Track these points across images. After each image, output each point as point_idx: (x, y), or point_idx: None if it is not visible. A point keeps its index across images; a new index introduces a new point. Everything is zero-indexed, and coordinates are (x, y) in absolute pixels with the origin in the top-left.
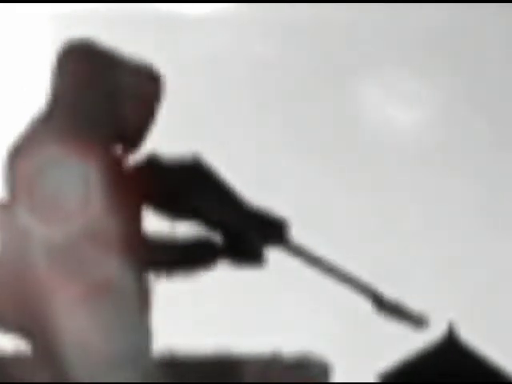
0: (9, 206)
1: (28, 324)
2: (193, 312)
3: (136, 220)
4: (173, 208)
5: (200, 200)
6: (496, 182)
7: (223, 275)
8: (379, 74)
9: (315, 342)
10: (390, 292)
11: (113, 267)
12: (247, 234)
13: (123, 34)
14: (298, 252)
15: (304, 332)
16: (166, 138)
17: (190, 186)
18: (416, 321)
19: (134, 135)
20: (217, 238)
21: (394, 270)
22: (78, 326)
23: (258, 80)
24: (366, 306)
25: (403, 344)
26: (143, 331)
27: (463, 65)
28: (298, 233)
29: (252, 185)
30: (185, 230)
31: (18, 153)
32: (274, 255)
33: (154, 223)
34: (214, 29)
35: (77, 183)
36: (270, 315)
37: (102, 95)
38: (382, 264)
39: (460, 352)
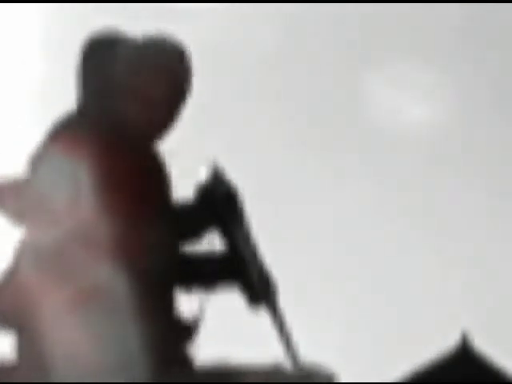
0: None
1: (15, 330)
2: None
3: (132, 222)
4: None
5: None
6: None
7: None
8: (390, 66)
9: (319, 352)
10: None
11: (104, 272)
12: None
13: (122, 26)
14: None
15: (307, 342)
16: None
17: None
18: (294, 358)
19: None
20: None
21: (405, 275)
22: (66, 333)
23: (263, 73)
24: (372, 313)
25: (414, 354)
26: (135, 339)
27: (478, 58)
28: (302, 230)
29: (252, 180)
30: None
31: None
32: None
33: None
34: (216, 20)
35: (67, 183)
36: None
37: (104, 89)
38: (392, 270)
39: (473, 362)
